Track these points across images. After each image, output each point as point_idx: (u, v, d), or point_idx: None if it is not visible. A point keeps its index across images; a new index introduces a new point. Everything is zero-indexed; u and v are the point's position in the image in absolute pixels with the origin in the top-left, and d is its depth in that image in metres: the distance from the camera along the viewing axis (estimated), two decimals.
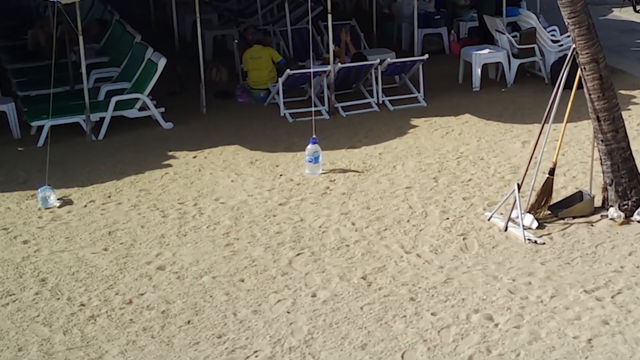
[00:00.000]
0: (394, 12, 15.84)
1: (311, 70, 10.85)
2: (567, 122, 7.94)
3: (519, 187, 7.81)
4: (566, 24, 7.66)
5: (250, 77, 12.23)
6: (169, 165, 9.74)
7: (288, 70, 11.08)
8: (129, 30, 12.67)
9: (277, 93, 11.39)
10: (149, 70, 10.98)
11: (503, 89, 12.30)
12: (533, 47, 12.45)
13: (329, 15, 11.13)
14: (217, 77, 13.24)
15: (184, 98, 12.28)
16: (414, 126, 10.92)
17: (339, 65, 11.27)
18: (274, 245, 7.54)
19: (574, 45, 7.66)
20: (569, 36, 8.79)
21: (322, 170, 9.25)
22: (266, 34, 13.47)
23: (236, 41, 13.61)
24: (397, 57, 12.29)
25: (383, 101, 11.62)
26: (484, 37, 13.76)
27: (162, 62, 10.86)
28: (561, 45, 12.39)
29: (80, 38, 10.27)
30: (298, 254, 7.34)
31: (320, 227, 7.90)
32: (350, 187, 8.89)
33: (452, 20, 15.23)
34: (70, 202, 8.68)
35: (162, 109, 11.18)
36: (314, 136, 9.21)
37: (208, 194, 8.83)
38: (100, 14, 14.56)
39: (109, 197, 8.82)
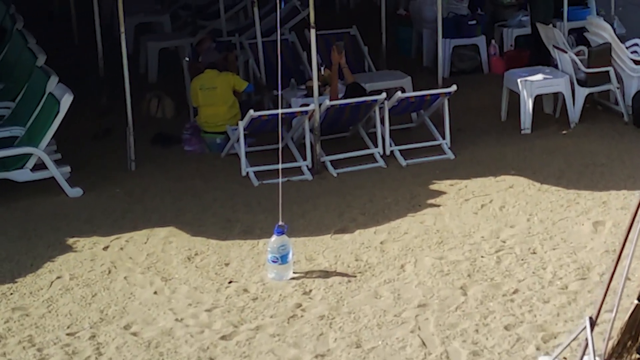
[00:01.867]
0: (411, 13, 14.94)
1: (280, 112, 9.57)
2: None
3: (593, 322, 6.18)
4: None
5: (201, 116, 11.14)
6: (65, 263, 8.26)
7: (251, 112, 9.82)
8: (31, 47, 11.15)
9: (238, 141, 10.22)
10: (49, 112, 9.50)
11: (564, 131, 11.40)
12: (607, 71, 11.51)
13: (312, 31, 9.82)
14: (158, 113, 12.25)
15: (108, 146, 11.31)
16: (435, 193, 9.68)
17: (327, 102, 9.91)
18: None
19: None
20: None
21: (294, 273, 7.88)
22: (229, 48, 12.22)
23: (187, 59, 12.49)
24: (415, 81, 11.87)
25: (392, 152, 10.59)
26: (538, 51, 12.84)
27: (66, 101, 9.43)
28: None
29: None
30: None
31: None
32: (334, 304, 7.43)
33: (493, 26, 14.57)
34: None
35: (68, 169, 9.74)
36: (280, 223, 7.71)
37: (115, 317, 7.37)
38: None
39: None
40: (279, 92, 9.55)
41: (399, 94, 10.36)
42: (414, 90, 11.59)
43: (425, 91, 10.62)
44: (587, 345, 6.25)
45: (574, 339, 6.39)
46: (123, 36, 10.19)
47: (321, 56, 12.16)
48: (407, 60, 14.54)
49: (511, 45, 13.98)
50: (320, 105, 9.99)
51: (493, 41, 14.15)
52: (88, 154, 10.82)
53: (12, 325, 7.30)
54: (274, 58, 12.09)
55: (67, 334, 7.15)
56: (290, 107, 10.97)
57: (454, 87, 10.53)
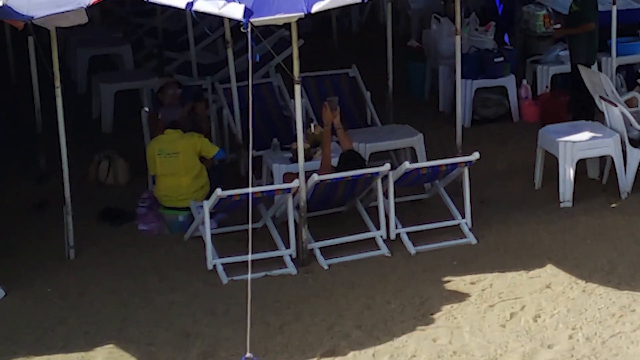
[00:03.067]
0: (424, 46, 14.39)
1: (262, 189, 9.16)
2: None
3: None
4: None
5: (160, 188, 10.51)
6: None
7: (218, 192, 9.19)
8: None
9: (203, 223, 9.52)
10: None
11: (614, 204, 10.86)
12: None
13: (297, 87, 9.36)
14: (109, 179, 11.61)
15: (47, 222, 10.67)
16: (452, 297, 9.02)
17: (315, 177, 9.34)
18: None
19: None
20: None
21: None
22: (198, 96, 11.54)
23: (146, 110, 11.80)
24: (429, 131, 11.69)
25: (398, 235, 9.97)
26: (580, 95, 12.41)
27: None
28: None
29: None
30: None
31: None
32: None
33: (525, 62, 14.07)
34: None
35: None
36: (247, 355, 7.14)
37: None
38: None
39: None
40: (249, 155, 8.66)
41: (406, 164, 9.71)
42: (426, 149, 11.19)
43: (440, 160, 9.98)
44: None
45: None
46: (58, 91, 9.39)
47: (313, 107, 11.90)
48: (419, 103, 14.15)
49: (547, 87, 13.50)
50: (308, 177, 9.40)
51: (524, 81, 13.62)
52: (19, 235, 10.32)
53: None
54: (255, 106, 11.51)
55: None
56: (271, 174, 10.43)
57: (476, 155, 9.92)
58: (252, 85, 11.82)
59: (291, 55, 11.93)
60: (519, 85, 13.50)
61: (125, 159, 11.75)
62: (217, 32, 14.28)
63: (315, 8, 8.43)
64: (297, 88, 9.27)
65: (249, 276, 8.02)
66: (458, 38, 10.83)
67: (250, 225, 8.37)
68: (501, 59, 13.31)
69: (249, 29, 8.12)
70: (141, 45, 15.62)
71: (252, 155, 10.94)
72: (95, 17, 15.30)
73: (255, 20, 8.22)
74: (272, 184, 10.22)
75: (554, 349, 7.99)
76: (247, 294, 7.74)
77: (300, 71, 12.22)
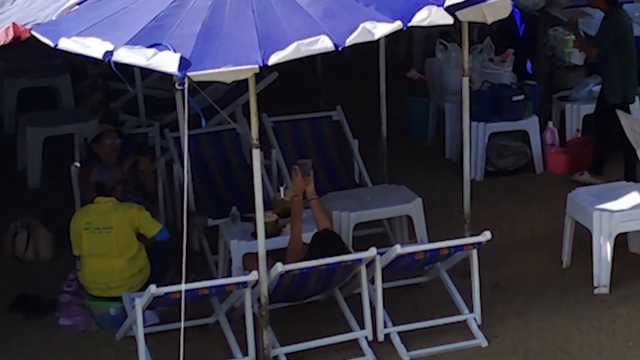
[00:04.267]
0: (427, 79, 13.98)
1: (208, 285, 8.51)
2: None
3: None
4: None
5: (86, 272, 9.94)
6: None
7: (152, 288, 8.47)
8: None
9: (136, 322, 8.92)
10: None
11: None
12: None
13: (255, 151, 8.60)
14: (28, 254, 11.11)
15: None
16: None
17: (280, 266, 8.70)
18: None
19: None
20: None
21: None
22: (141, 148, 11.36)
23: (77, 165, 11.27)
24: (432, 183, 12.19)
25: (387, 336, 9.38)
26: (607, 138, 12.37)
27: None
28: None
29: None
30: None
31: None
32: None
33: (551, 99, 13.78)
34: None
35: None
36: None
37: None
38: None
39: None
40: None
41: (397, 249, 9.11)
42: (425, 216, 10.61)
43: (441, 243, 9.45)
44: None
45: None
46: None
47: (286, 160, 11.49)
48: (422, 147, 13.88)
49: (577, 130, 13.25)
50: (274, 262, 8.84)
51: (550, 124, 13.28)
52: None
53: None
54: (214, 159, 11.56)
55: None
56: (228, 250, 9.90)
57: (487, 236, 9.34)
58: (210, 133, 11.78)
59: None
60: (543, 128, 13.18)
61: (50, 228, 11.27)
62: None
63: (273, 59, 7.65)
64: (256, 153, 8.57)
65: None
66: (466, 80, 10.28)
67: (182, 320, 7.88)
68: (522, 96, 12.90)
69: (185, 86, 7.37)
70: (84, 73, 15.30)
71: (209, 225, 10.75)
72: (31, 41, 14.80)
73: (195, 74, 7.45)
74: (230, 262, 9.75)
75: None
76: None
77: (272, 113, 11.41)
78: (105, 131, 11.13)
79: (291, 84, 13.98)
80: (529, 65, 14.21)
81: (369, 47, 16.35)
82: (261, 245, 8.71)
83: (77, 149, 12.01)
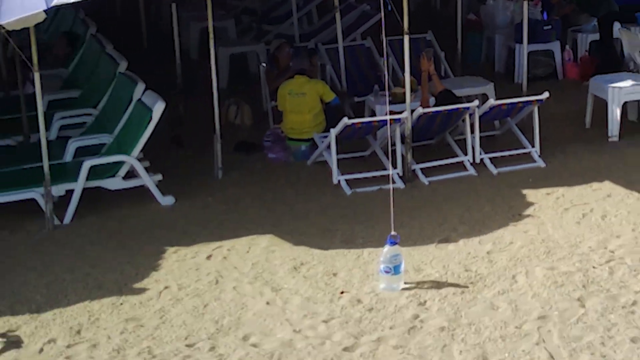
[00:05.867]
0: (482, 19, 14.88)
1: (379, 119, 9.73)
2: None
3: None
4: None
5: (286, 123, 11.12)
6: (170, 273, 8.23)
7: (345, 120, 9.70)
8: (110, 53, 11.20)
9: (328, 149, 10.07)
10: (140, 119, 9.53)
11: None
12: None
13: (406, 37, 9.85)
14: (236, 120, 12.16)
15: (188, 154, 11.36)
16: (533, 203, 9.58)
17: (420, 109, 9.80)
18: None
19: None
20: None
21: (405, 284, 7.76)
22: (312, 54, 12.17)
23: (264, 65, 12.44)
24: (495, 87, 11.84)
25: (482, 160, 10.46)
26: (607, 58, 13.16)
27: (158, 109, 9.42)
28: None
29: (36, 76, 8.74)
30: None
31: None
32: (452, 316, 7.39)
33: (566, 31, 14.42)
34: (17, 344, 7.13)
35: (159, 177, 9.70)
36: (392, 233, 7.68)
37: (232, 328, 7.35)
38: (69, 25, 13.11)
39: (78, 332, 7.31)
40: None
41: (491, 101, 10.28)
42: (496, 97, 11.49)
43: (517, 98, 10.51)
44: None
45: None
46: (212, 51, 10.36)
47: (398, 62, 12.49)
48: (476, 67, 14.52)
49: (586, 51, 13.97)
50: (412, 112, 9.93)
51: (567, 47, 14.12)
52: (171, 163, 10.77)
53: (128, 336, 7.32)
54: (351, 64, 12.53)
55: (186, 345, 7.16)
56: (374, 114, 10.95)
57: (546, 94, 10.42)
58: (350, 46, 12.71)
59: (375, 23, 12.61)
60: (563, 49, 13.95)
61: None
62: (305, 8, 15.05)
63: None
64: (407, 38, 9.85)
65: (389, 187, 8.50)
66: (525, 14, 11.46)
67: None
68: (549, 27, 13.73)
69: None
70: (239, 21, 16.08)
71: (355, 101, 11.69)
72: None
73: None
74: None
75: (621, 238, 8.55)
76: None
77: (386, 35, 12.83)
78: (283, 43, 12.45)
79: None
80: (545, 15, 14.33)
81: (424, 8, 17.49)
82: (408, 98, 9.97)
83: (262, 56, 13.08)
